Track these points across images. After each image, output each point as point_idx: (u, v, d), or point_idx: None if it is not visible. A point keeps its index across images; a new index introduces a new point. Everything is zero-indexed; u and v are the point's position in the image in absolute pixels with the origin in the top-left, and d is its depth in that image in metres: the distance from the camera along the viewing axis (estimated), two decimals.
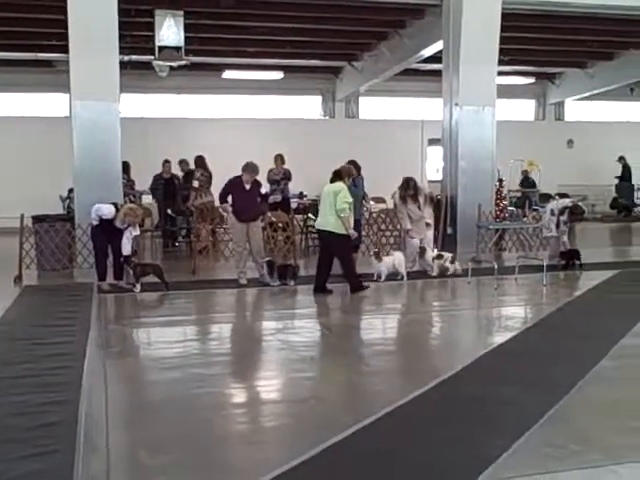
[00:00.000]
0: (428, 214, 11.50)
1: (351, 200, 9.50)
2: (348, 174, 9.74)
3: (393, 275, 10.37)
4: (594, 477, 3.88)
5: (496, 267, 10.07)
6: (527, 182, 19.75)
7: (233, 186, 10.15)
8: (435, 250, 11.45)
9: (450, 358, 6.56)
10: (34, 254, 11.48)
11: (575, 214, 11.86)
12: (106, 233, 9.83)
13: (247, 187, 10.13)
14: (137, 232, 10.16)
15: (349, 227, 9.44)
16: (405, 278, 10.35)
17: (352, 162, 10.73)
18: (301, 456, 4.01)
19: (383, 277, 10.29)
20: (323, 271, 9.57)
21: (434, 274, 10.74)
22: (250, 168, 10.13)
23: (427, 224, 11.36)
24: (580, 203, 12.67)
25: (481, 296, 10.03)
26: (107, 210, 9.75)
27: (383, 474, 3.88)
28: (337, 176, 9.59)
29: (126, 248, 9.78)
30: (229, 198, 10.23)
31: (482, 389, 5.33)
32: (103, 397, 5.20)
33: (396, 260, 10.44)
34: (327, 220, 9.37)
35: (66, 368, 5.83)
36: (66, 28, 11.66)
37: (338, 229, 9.32)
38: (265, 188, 10.84)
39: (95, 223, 9.89)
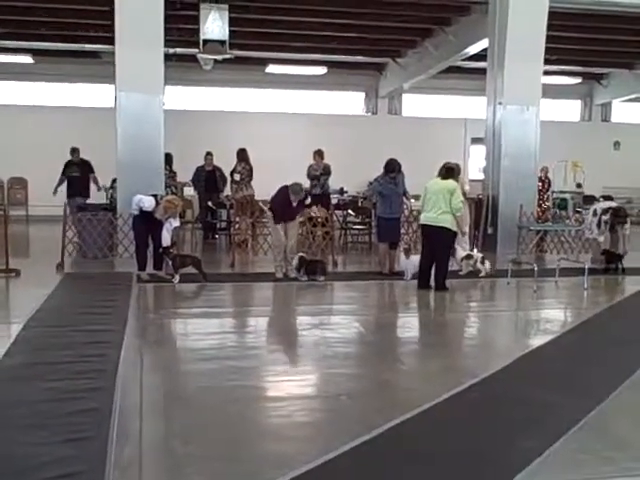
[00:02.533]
0: None
1: (463, 198, 9.73)
2: (459, 172, 10.05)
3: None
4: None
5: (536, 269, 9.94)
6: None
7: (284, 198, 10.21)
8: (474, 250, 11.34)
9: (486, 359, 6.49)
10: (76, 242, 11.65)
11: (618, 216, 11.71)
12: (147, 223, 9.94)
13: (294, 204, 10.29)
14: (177, 223, 10.26)
15: (461, 226, 9.68)
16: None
17: (392, 160, 10.66)
18: (331, 453, 4.00)
19: (409, 275, 10.17)
20: (429, 267, 9.65)
21: (461, 273, 10.63)
22: (295, 191, 10.16)
23: None
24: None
25: (520, 298, 9.91)
26: (148, 203, 9.85)
27: (411, 475, 3.85)
28: (449, 173, 9.66)
29: (166, 239, 9.88)
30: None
31: (518, 392, 5.27)
32: (138, 386, 5.26)
33: None
34: (443, 217, 9.39)
35: (103, 356, 5.90)
36: (112, 20, 11.80)
37: (452, 226, 9.45)
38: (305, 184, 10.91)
39: (135, 213, 10.01)
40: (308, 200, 10.71)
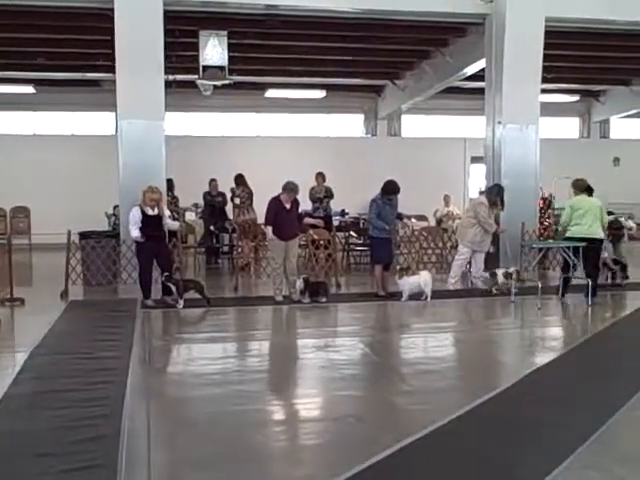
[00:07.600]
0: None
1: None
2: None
3: (417, 295, 10.29)
4: None
5: (540, 286, 9.94)
6: None
7: (276, 207, 10.22)
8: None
9: (492, 378, 6.49)
10: (80, 269, 11.67)
11: (612, 228, 11.95)
12: (151, 251, 9.92)
13: (287, 206, 10.22)
14: (167, 212, 10.59)
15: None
16: (429, 298, 10.22)
17: (391, 182, 10.64)
18: (342, 475, 4.00)
19: (405, 297, 10.22)
20: (570, 279, 10.33)
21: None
22: (289, 188, 10.21)
23: None
24: (622, 219, 12.66)
25: (524, 315, 9.91)
26: (135, 210, 9.97)
27: None
28: (590, 191, 10.57)
29: (173, 226, 10.49)
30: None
31: (525, 410, 5.26)
32: (145, 412, 5.25)
33: (422, 279, 10.32)
34: (593, 229, 10.19)
35: (109, 383, 5.91)
36: (113, 49, 11.89)
37: (602, 236, 10.45)
38: (304, 206, 10.91)
39: (135, 234, 9.94)
40: (300, 209, 10.74)
